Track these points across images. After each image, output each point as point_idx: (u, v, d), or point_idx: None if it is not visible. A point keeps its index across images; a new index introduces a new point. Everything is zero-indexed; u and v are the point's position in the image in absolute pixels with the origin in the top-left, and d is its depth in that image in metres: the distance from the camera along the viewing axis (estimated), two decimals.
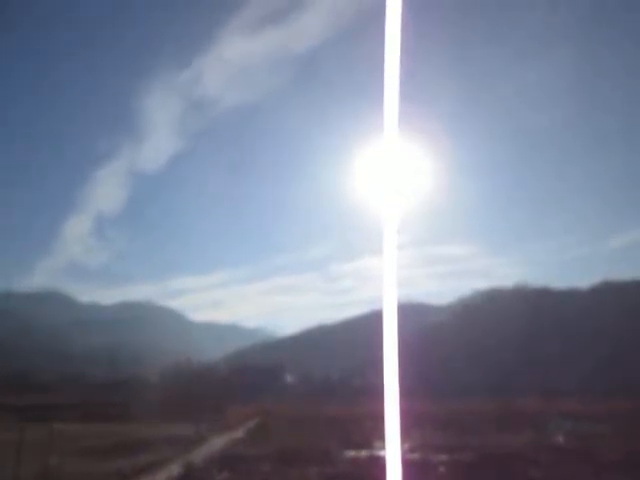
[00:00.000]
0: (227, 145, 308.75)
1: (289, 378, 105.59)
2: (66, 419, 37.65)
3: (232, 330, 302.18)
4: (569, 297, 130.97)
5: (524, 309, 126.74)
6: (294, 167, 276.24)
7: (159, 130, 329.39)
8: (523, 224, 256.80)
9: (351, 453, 21.71)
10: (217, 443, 28.77)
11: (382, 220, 1.28)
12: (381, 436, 1.14)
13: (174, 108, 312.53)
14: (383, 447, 1.14)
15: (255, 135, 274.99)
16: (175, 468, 19.16)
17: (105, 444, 25.77)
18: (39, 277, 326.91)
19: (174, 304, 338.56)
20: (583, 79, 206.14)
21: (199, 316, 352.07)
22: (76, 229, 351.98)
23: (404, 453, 19.06)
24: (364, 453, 21.17)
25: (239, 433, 34.82)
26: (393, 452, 1.11)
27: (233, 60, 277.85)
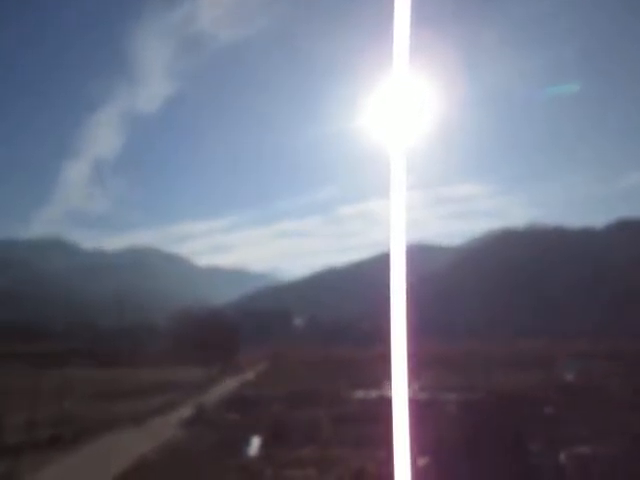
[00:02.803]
0: (225, 84, 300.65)
1: (298, 322, 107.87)
2: (77, 365, 39.00)
3: (239, 275, 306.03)
4: (583, 236, 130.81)
5: (537, 249, 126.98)
6: (296, 106, 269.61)
7: (154, 71, 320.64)
8: (536, 161, 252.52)
9: (360, 394, 22.48)
10: (228, 386, 29.86)
11: (389, 160, 1.27)
12: (390, 377, 1.17)
13: (168, 48, 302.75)
14: (392, 388, 1.17)
15: (253, 73, 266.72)
16: (187, 410, 20.01)
17: (117, 388, 26.83)
18: (40, 225, 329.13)
19: (179, 249, 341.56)
20: (602, 7, 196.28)
21: (205, 261, 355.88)
22: (75, 176, 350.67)
23: (413, 393, 19.73)
24: (373, 394, 21.92)
25: (249, 376, 36.08)
26: (400, 392, 1.14)
27: None
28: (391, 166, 1.24)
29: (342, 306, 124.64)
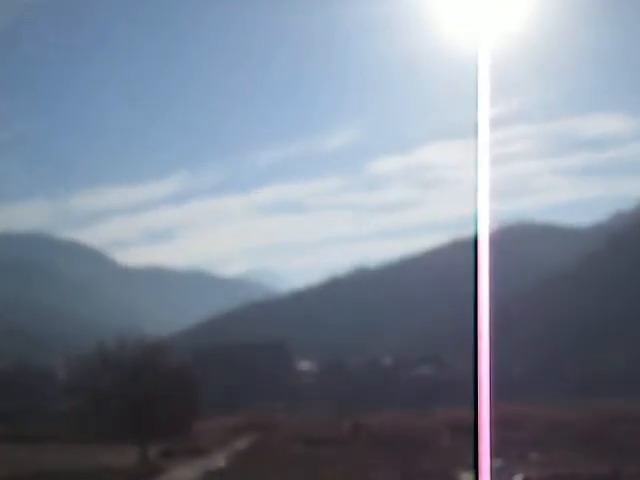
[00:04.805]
0: None
1: (301, 364, 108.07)
2: None
3: (198, 282, 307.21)
4: None
5: None
6: None
7: None
8: None
9: None
10: (180, 478, 30.14)
11: (466, 76, 1.29)
12: (472, 460, 1.21)
13: None
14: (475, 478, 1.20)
15: None
16: None
17: None
18: None
19: (90, 238, 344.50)
20: None
21: (135, 259, 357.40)
22: None
23: None
24: None
25: (216, 461, 36.35)
26: None
27: None
28: (468, 88, 1.23)
29: (381, 336, 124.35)
